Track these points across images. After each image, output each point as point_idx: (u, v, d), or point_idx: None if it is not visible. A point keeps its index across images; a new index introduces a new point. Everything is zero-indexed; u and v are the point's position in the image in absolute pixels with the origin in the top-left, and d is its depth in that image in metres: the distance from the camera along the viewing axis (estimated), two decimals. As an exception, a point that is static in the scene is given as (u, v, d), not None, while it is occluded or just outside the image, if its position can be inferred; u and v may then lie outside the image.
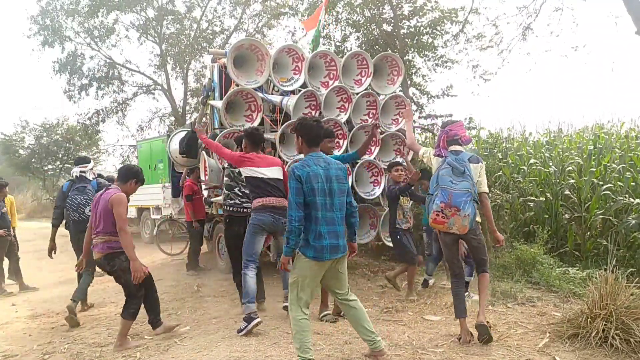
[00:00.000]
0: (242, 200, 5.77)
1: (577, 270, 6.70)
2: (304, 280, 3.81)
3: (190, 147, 7.83)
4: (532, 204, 8.26)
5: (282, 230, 5.38)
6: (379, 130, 6.74)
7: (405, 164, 6.60)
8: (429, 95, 10.86)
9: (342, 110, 7.16)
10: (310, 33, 8.66)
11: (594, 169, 8.35)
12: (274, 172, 5.38)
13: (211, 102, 7.53)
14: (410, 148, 5.66)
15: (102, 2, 18.44)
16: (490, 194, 8.01)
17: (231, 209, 5.78)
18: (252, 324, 4.89)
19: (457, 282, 4.73)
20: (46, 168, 29.20)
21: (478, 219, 4.59)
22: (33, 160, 27.70)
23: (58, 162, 29.18)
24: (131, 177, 4.94)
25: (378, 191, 7.37)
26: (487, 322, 4.61)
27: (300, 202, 3.72)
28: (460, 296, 4.68)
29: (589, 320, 4.40)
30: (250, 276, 5.18)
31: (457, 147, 4.66)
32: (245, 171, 5.33)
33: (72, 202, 6.44)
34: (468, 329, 4.56)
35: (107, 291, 7.78)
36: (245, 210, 5.72)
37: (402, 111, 6.72)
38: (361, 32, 10.78)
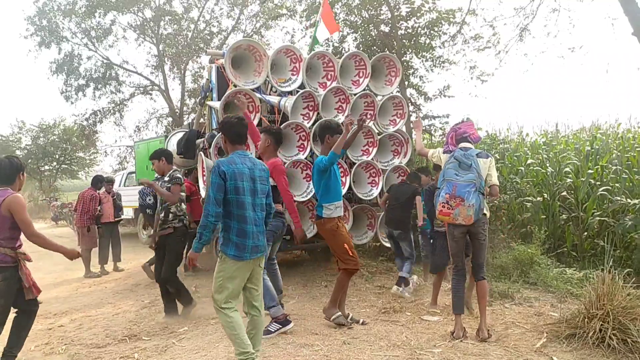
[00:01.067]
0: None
1: (574, 270, 6.72)
2: (223, 280, 3.70)
3: (188, 148, 7.83)
4: (529, 205, 8.28)
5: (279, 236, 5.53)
6: (366, 123, 6.70)
7: None
8: (427, 96, 10.88)
9: (340, 111, 7.17)
10: (321, 32, 8.61)
11: (591, 170, 8.37)
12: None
13: (209, 102, 7.53)
14: (419, 154, 5.63)
15: (99, 3, 18.44)
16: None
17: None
18: (289, 327, 4.97)
19: (457, 278, 4.83)
20: (43, 169, 29.18)
21: (487, 212, 4.75)
22: (30, 160, 27.69)
23: (55, 163, 29.18)
24: (15, 171, 4.17)
25: (376, 192, 7.38)
26: (489, 332, 4.65)
27: (220, 198, 3.63)
28: (460, 292, 4.79)
29: (586, 320, 4.41)
30: (266, 278, 5.07)
31: (467, 144, 4.80)
32: None
33: None
34: (462, 325, 4.69)
35: (104, 292, 7.77)
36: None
37: (413, 121, 6.63)
38: (359, 33, 10.79)
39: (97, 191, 9.36)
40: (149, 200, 8.16)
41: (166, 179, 5.71)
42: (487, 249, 4.81)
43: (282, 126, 6.56)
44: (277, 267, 5.66)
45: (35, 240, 4.13)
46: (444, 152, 5.00)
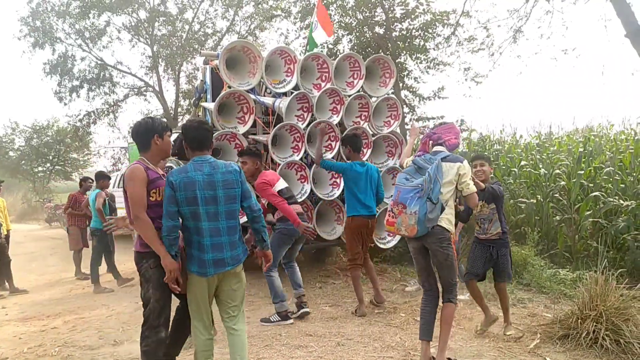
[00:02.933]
0: None
1: (568, 271, 6.75)
2: (195, 298, 3.44)
3: (182, 149, 7.78)
4: (523, 206, 8.31)
5: (300, 237, 5.60)
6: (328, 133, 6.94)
7: None
8: (421, 98, 10.92)
9: (334, 113, 7.18)
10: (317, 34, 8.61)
11: (583, 171, 8.41)
12: (282, 183, 5.58)
13: (203, 104, 7.52)
14: (400, 164, 5.55)
15: (94, 4, 18.40)
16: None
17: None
18: (287, 322, 5.35)
19: (425, 299, 4.22)
20: (36, 170, 29.06)
21: (448, 226, 4.06)
22: (23, 162, 27.58)
23: (48, 164, 29.05)
24: (148, 133, 3.63)
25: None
26: None
27: (172, 210, 3.30)
28: (425, 315, 4.15)
29: (579, 321, 4.43)
30: (276, 277, 5.48)
31: (439, 148, 4.27)
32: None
33: None
34: (430, 354, 4.06)
35: (98, 294, 7.74)
36: None
37: (409, 129, 6.42)
38: (354, 34, 10.81)
39: (85, 193, 9.30)
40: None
41: None
42: (453, 269, 4.08)
43: (276, 127, 6.57)
44: (296, 265, 5.93)
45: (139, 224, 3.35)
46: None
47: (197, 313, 3.47)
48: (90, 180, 9.61)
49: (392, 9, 10.44)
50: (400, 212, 3.90)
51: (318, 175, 7.24)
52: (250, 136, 6.94)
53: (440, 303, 4.16)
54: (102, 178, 8.54)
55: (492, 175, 5.40)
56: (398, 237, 7.19)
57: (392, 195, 4.15)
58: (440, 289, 4.18)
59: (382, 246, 7.41)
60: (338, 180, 7.26)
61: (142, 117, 22.26)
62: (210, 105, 6.74)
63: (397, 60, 9.76)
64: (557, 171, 8.77)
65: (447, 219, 4.04)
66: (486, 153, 10.21)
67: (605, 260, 5.37)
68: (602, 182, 8.11)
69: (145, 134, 3.53)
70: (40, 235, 17.29)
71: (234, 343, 3.54)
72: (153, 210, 3.34)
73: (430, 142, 4.36)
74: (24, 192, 29.36)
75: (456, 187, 4.10)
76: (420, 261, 4.19)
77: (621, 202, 7.34)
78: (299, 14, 12.12)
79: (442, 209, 3.97)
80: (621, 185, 7.90)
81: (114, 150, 25.20)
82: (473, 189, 4.10)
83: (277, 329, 5.13)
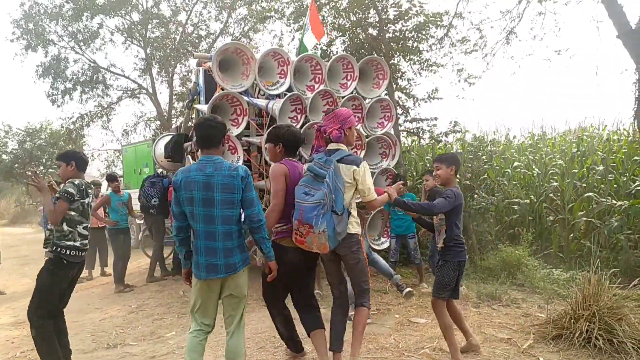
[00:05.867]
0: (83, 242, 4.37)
1: (561, 271, 6.78)
2: (194, 297, 3.49)
3: (175, 151, 7.79)
4: (516, 207, 8.34)
5: None
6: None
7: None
8: (415, 99, 10.92)
9: (328, 114, 7.17)
10: (308, 38, 8.61)
11: (576, 172, 8.45)
12: None
13: (196, 106, 7.50)
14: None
15: (86, 6, 18.31)
16: (476, 196, 8.12)
17: (70, 252, 4.21)
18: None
19: (335, 308, 4.01)
20: (29, 173, 28.90)
21: (355, 229, 3.82)
22: (16, 165, 27.41)
23: (42, 167, 28.89)
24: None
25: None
26: None
27: (177, 211, 3.37)
28: (336, 326, 3.93)
29: (572, 321, 4.45)
30: (377, 258, 5.60)
31: (335, 146, 3.82)
32: None
33: None
34: None
35: (91, 297, 7.72)
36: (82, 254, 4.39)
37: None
38: (347, 36, 10.81)
39: None
40: (154, 201, 8.17)
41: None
42: (364, 273, 3.88)
43: (270, 129, 6.55)
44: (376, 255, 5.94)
45: None
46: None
47: (195, 311, 3.47)
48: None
49: (385, 10, 10.43)
50: (308, 233, 3.58)
51: None
52: (243, 138, 6.93)
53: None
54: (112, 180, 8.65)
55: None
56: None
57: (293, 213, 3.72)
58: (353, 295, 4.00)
59: (376, 247, 7.41)
60: None
61: (135, 119, 22.24)
62: (204, 107, 6.72)
63: (390, 62, 9.75)
64: (551, 172, 8.81)
65: (353, 223, 3.80)
66: (480, 153, 10.24)
67: (599, 260, 5.39)
68: (595, 183, 8.16)
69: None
70: (34, 238, 17.20)
71: (226, 350, 3.53)
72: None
73: (326, 136, 3.88)
74: (17, 196, 29.21)
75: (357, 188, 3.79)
76: (332, 268, 4.00)
77: (614, 202, 7.38)
78: (293, 16, 12.10)
79: (349, 214, 3.75)
80: (614, 185, 7.94)
81: (107, 152, 25.13)
82: (373, 195, 3.68)
83: (271, 331, 5.10)
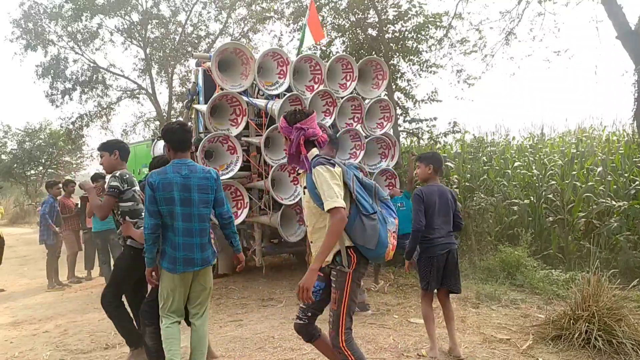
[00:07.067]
0: None
1: (560, 272, 6.77)
2: (166, 292, 3.65)
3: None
4: (516, 207, 8.33)
5: None
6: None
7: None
8: (414, 100, 10.92)
9: (327, 114, 7.17)
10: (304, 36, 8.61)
11: (575, 172, 8.45)
12: None
13: (196, 106, 7.50)
14: None
15: (86, 6, 18.30)
16: (476, 197, 8.11)
17: None
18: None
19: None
20: (29, 173, 28.88)
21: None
22: (15, 165, 27.39)
23: (41, 167, 28.88)
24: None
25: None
26: None
27: (153, 210, 3.52)
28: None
29: (572, 321, 4.44)
30: None
31: (316, 151, 3.24)
32: None
33: None
34: None
35: (90, 297, 7.70)
36: None
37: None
38: (346, 36, 10.80)
39: (70, 196, 9.24)
40: None
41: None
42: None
43: (269, 129, 6.56)
44: None
45: None
46: (302, 171, 3.30)
47: (168, 304, 3.66)
48: (73, 184, 9.54)
49: (385, 11, 10.43)
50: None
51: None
52: (243, 138, 6.92)
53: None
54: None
55: (459, 179, 5.03)
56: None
57: (393, 212, 3.28)
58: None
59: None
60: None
61: (135, 119, 22.26)
62: (203, 108, 6.72)
63: (389, 62, 9.75)
64: (550, 172, 8.81)
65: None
66: (480, 154, 10.23)
67: (598, 260, 5.40)
68: (594, 183, 8.15)
69: None
70: (33, 238, 17.16)
71: (193, 338, 3.79)
72: None
73: (306, 139, 3.23)
74: (16, 196, 29.17)
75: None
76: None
77: (613, 202, 7.38)
78: (292, 16, 12.08)
79: None
80: (613, 186, 7.94)
81: (107, 153, 25.07)
82: (330, 204, 2.92)
83: (269, 332, 5.11)
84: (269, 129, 6.56)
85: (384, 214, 3.16)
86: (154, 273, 3.66)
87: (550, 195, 8.25)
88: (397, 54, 10.39)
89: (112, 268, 7.78)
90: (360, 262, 3.10)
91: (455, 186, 8.78)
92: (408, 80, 10.79)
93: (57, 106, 20.46)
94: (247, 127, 6.89)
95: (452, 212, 4.43)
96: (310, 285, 2.94)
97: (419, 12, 10.23)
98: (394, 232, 3.16)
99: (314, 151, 3.20)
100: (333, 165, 3.04)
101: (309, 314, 3.34)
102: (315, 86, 7.16)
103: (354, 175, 3.12)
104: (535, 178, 8.85)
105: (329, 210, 2.92)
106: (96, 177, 8.40)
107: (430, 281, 4.33)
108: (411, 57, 10.35)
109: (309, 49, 8.90)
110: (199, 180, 3.63)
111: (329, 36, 10.85)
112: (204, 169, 3.74)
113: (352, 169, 3.18)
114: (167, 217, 3.57)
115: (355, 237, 3.04)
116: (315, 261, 2.95)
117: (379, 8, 10.28)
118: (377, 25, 10.34)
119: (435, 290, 4.46)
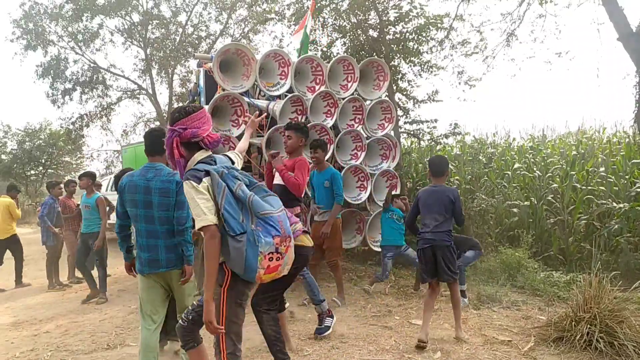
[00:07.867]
0: None
1: (561, 274, 6.77)
2: (140, 292, 3.75)
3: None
4: (516, 209, 8.33)
5: None
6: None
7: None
8: (415, 101, 10.92)
9: (328, 115, 7.18)
10: (296, 38, 8.65)
11: (575, 173, 8.45)
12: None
13: (197, 106, 7.48)
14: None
15: (87, 7, 18.32)
16: (476, 200, 8.11)
17: None
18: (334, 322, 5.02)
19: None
20: (29, 173, 28.89)
21: None
22: (15, 165, 27.38)
23: (41, 168, 28.88)
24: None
25: (364, 196, 7.38)
26: None
27: (120, 211, 3.75)
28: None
29: (573, 323, 4.44)
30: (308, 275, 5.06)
31: (201, 154, 2.95)
32: None
33: None
34: None
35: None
36: None
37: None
38: (347, 37, 10.80)
39: (71, 196, 9.18)
40: None
41: None
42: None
43: (270, 130, 6.56)
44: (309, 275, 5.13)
45: None
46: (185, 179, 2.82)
47: (144, 308, 3.72)
48: (74, 184, 9.51)
49: (386, 12, 10.42)
50: (288, 249, 2.88)
51: (346, 180, 7.09)
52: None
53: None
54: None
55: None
56: None
57: (274, 229, 2.80)
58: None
59: (376, 249, 7.41)
60: (365, 184, 7.31)
61: (135, 120, 22.26)
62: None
63: (390, 64, 9.75)
64: (551, 174, 8.81)
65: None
66: (480, 155, 10.22)
67: (599, 262, 5.39)
68: (595, 185, 8.15)
69: None
70: (33, 239, 17.14)
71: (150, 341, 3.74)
72: None
73: (182, 141, 2.96)
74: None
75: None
76: None
77: (614, 204, 7.38)
78: (293, 17, 12.08)
79: None
80: (614, 187, 7.93)
81: (107, 153, 25.11)
82: (199, 223, 2.72)
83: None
84: (270, 130, 6.57)
85: (258, 232, 2.74)
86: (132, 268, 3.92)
87: (550, 197, 8.24)
88: (398, 55, 10.39)
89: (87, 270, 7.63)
90: (238, 279, 2.84)
91: (455, 187, 8.78)
92: (409, 82, 10.80)
93: (57, 106, 20.51)
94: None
95: (446, 211, 4.71)
96: (212, 317, 2.73)
97: (420, 14, 10.23)
98: (269, 253, 2.74)
99: (199, 155, 2.91)
100: (199, 180, 2.74)
101: (190, 317, 3.06)
102: (317, 87, 7.17)
103: (225, 188, 2.76)
104: (535, 180, 8.85)
105: (199, 229, 2.71)
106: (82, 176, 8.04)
107: (422, 272, 4.89)
108: (412, 59, 10.35)
109: (313, 49, 8.91)
110: (161, 184, 3.63)
111: (330, 37, 10.87)
112: (170, 172, 3.67)
113: (228, 178, 2.80)
114: (133, 219, 3.72)
115: (224, 257, 2.80)
116: (206, 291, 2.73)
117: (380, 9, 10.29)
118: (378, 27, 10.34)
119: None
